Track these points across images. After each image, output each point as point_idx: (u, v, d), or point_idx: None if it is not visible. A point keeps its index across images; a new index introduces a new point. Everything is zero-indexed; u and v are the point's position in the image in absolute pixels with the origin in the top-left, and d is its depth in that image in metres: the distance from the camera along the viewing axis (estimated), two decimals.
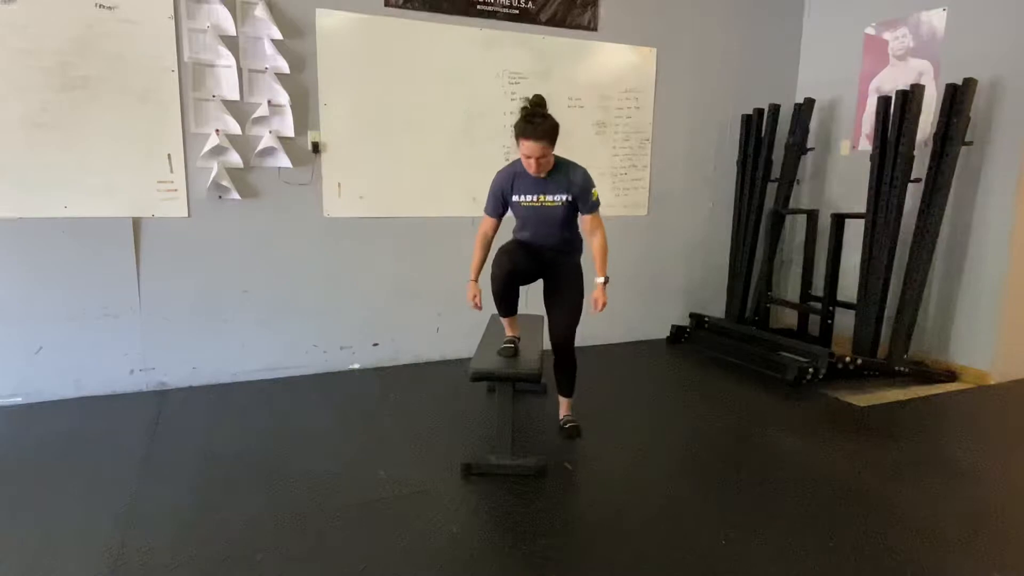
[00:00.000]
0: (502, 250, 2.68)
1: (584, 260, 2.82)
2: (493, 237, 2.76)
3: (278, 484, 2.43)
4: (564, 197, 2.64)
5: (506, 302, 2.73)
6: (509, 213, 2.75)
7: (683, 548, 2.05)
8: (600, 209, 2.72)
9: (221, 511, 2.24)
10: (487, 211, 2.73)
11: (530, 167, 2.55)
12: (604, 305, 2.73)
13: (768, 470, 2.64)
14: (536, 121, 2.47)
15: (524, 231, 2.76)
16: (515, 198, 2.67)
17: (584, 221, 2.74)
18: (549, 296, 2.85)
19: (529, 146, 2.49)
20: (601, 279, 2.73)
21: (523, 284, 2.79)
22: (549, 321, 2.85)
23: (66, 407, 3.19)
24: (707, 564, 1.97)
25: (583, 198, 2.65)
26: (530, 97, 2.58)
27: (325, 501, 2.31)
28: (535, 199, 2.65)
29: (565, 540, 2.10)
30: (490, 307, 2.92)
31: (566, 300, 2.79)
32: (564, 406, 3.02)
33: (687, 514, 2.27)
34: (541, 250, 2.75)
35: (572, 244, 2.80)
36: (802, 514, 2.28)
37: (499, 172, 2.71)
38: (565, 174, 2.63)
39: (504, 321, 2.86)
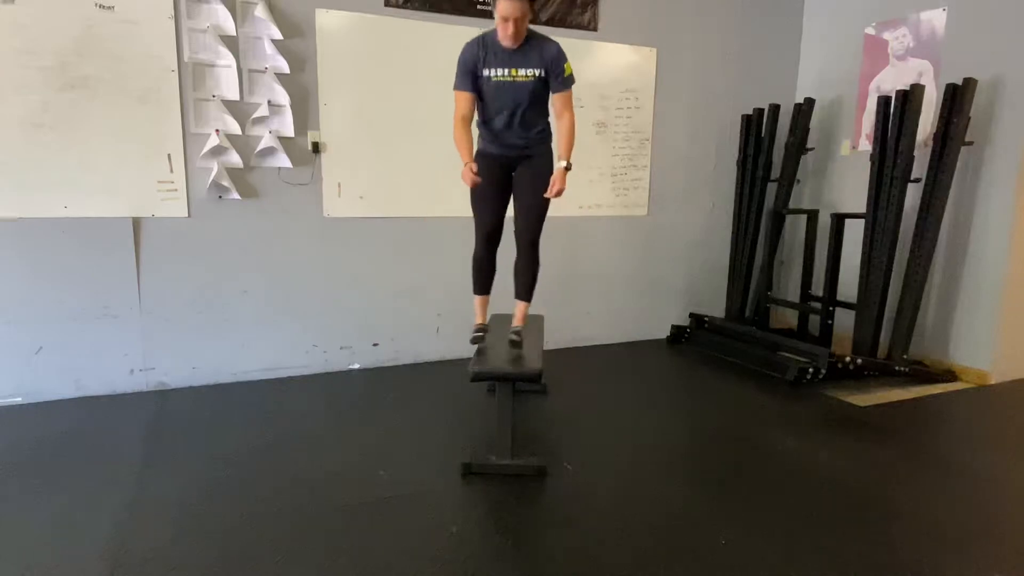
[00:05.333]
0: (475, 209, 2.61)
1: None
2: (472, 118, 2.56)
3: (278, 484, 2.43)
4: (536, 71, 2.49)
5: (483, 273, 2.76)
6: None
7: (683, 548, 2.05)
8: (572, 88, 2.57)
9: (221, 511, 2.23)
10: (459, 87, 2.52)
11: (505, 31, 2.39)
12: (561, 191, 2.52)
13: (768, 470, 2.64)
14: None
15: (492, 119, 2.59)
16: (485, 72, 2.49)
17: (554, 100, 2.57)
18: (519, 189, 2.69)
19: (508, 6, 2.31)
20: (563, 163, 2.53)
21: (504, 208, 2.72)
22: (516, 215, 2.71)
23: (66, 407, 3.19)
24: (707, 565, 1.96)
25: (556, 72, 2.50)
26: None
27: (325, 501, 2.30)
28: (506, 72, 2.48)
29: (565, 540, 2.09)
30: (497, 298, 2.93)
31: (535, 195, 2.61)
32: (519, 315, 2.82)
33: (687, 514, 2.27)
34: (513, 142, 2.61)
35: (544, 131, 2.67)
36: (802, 514, 2.28)
37: (467, 44, 2.52)
38: (538, 46, 2.49)
39: (476, 301, 2.85)
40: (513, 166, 2.69)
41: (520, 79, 2.50)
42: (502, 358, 2.64)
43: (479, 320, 2.89)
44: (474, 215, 2.70)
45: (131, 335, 3.38)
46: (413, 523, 2.17)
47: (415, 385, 3.64)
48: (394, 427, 3.02)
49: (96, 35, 3.10)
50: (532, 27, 2.48)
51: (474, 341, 2.80)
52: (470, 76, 2.51)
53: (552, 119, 2.67)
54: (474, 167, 2.46)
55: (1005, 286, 3.70)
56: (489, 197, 2.65)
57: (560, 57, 2.50)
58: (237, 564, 1.93)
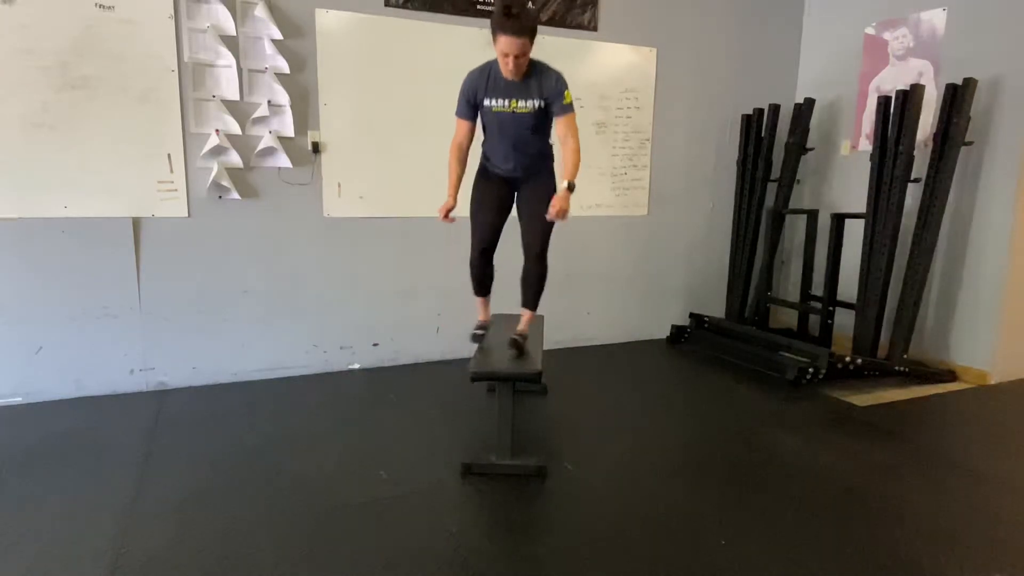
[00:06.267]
0: (473, 221, 2.66)
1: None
2: (469, 146, 2.59)
3: (278, 484, 2.43)
4: (536, 103, 2.46)
5: (480, 281, 2.78)
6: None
7: (683, 549, 2.05)
8: (574, 113, 2.50)
9: (221, 511, 2.24)
10: (460, 114, 2.54)
11: (506, 67, 2.35)
12: (563, 212, 2.39)
13: (768, 470, 2.64)
14: (517, 13, 2.24)
15: (493, 145, 2.61)
16: (486, 102, 2.48)
17: (557, 125, 2.51)
18: (522, 205, 2.69)
19: (508, 42, 2.27)
20: (566, 183, 2.44)
21: (501, 224, 2.72)
22: (522, 230, 2.69)
23: (66, 407, 3.19)
24: (707, 565, 1.96)
25: (556, 101, 2.45)
26: None
27: (325, 501, 2.31)
28: (506, 104, 2.46)
29: (565, 540, 2.10)
30: (497, 298, 2.93)
31: (538, 213, 2.53)
32: (524, 320, 2.80)
33: (687, 514, 2.27)
34: (513, 167, 2.61)
35: (544, 154, 2.66)
36: (802, 514, 2.28)
37: (470, 72, 2.51)
38: (538, 78, 2.45)
39: (478, 301, 2.90)
40: (516, 185, 2.70)
41: (520, 111, 2.48)
42: (502, 358, 2.64)
43: (481, 317, 2.94)
44: (472, 226, 2.72)
45: (131, 335, 3.38)
46: (413, 523, 2.17)
47: (415, 385, 3.64)
48: (394, 427, 3.02)
49: (96, 35, 3.10)
50: (532, 58, 2.44)
51: (474, 339, 2.83)
52: (470, 105, 2.52)
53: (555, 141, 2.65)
54: (452, 205, 2.54)
55: (1005, 286, 3.70)
56: (488, 211, 2.67)
57: (559, 85, 2.46)
58: (237, 565, 1.93)
